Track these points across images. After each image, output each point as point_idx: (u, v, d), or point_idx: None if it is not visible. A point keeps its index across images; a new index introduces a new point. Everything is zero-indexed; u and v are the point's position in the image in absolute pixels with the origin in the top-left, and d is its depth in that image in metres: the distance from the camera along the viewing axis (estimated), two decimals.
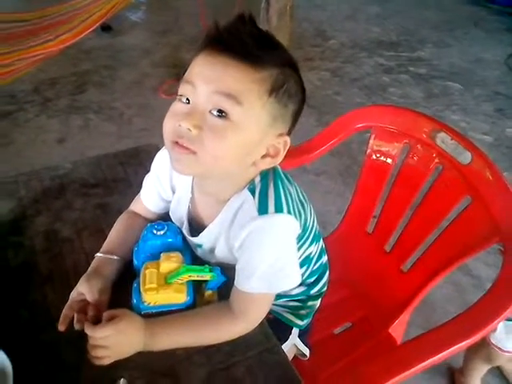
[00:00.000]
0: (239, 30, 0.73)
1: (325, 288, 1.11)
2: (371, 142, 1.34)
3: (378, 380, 0.89)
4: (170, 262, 0.82)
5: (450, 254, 1.14)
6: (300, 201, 0.87)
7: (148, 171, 0.99)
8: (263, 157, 0.79)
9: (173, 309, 0.83)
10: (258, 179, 0.82)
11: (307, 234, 0.93)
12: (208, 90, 0.72)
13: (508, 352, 1.39)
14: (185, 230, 0.92)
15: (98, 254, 0.91)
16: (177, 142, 0.74)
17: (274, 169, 0.84)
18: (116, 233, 0.97)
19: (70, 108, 3.19)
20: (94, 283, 0.84)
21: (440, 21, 4.67)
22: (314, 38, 4.25)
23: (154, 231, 0.87)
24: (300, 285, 1.04)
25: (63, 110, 3.16)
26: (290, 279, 0.86)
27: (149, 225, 0.89)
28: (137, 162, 1.24)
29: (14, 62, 2.42)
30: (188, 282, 0.84)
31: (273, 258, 0.81)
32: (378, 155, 1.34)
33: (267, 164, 0.80)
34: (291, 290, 1.03)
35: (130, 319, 0.79)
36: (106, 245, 0.94)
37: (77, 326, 0.79)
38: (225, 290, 0.86)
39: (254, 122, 0.74)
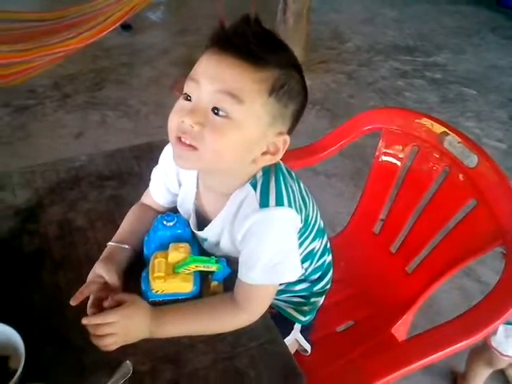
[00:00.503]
0: (244, 30, 0.75)
1: (328, 286, 1.13)
2: (380, 144, 1.36)
3: (378, 376, 0.92)
4: (178, 253, 0.85)
5: (454, 255, 1.16)
6: (302, 196, 0.90)
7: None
8: (263, 154, 0.81)
9: (179, 298, 0.86)
10: (259, 174, 0.84)
11: (309, 229, 0.95)
12: (210, 89, 0.75)
13: (508, 357, 1.39)
14: (192, 224, 0.94)
15: (110, 243, 0.94)
16: (180, 139, 0.77)
17: (275, 164, 0.86)
18: (127, 223, 1.00)
19: (87, 104, 3.24)
20: (111, 266, 0.88)
21: (457, 26, 4.64)
22: (331, 41, 4.25)
23: (164, 222, 0.90)
24: (303, 281, 1.06)
25: (81, 106, 3.22)
26: (291, 271, 0.88)
27: (159, 216, 0.92)
28: (150, 156, 1.25)
29: (35, 59, 2.46)
30: (195, 272, 0.87)
31: (274, 251, 0.83)
32: (386, 157, 1.36)
33: (267, 161, 0.82)
34: (294, 285, 1.06)
35: (138, 305, 0.82)
36: (117, 234, 0.97)
37: (90, 311, 0.81)
38: (230, 282, 0.89)
39: (253, 120, 0.76)
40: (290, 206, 0.82)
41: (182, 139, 0.77)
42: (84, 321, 0.78)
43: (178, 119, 0.77)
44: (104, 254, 0.93)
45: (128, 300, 0.81)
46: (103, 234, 1.01)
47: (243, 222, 0.82)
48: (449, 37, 4.43)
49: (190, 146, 0.76)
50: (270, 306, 0.89)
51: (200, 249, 0.94)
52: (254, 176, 0.84)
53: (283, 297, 1.08)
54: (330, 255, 1.13)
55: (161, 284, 0.84)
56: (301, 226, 0.88)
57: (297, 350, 1.14)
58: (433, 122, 1.25)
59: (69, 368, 0.79)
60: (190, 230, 0.93)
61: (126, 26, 4.06)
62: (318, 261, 1.06)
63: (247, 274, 0.84)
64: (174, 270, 0.85)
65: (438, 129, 1.23)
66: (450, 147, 1.19)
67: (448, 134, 1.20)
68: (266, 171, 0.85)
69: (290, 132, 0.83)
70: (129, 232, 0.98)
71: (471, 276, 2.05)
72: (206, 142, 0.75)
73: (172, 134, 0.78)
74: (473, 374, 1.58)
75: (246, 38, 0.74)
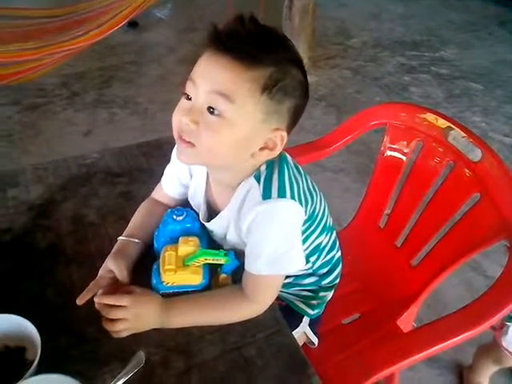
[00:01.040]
0: (237, 30, 0.77)
1: (337, 280, 1.15)
2: (385, 139, 1.37)
3: (383, 366, 0.93)
4: (187, 246, 0.88)
5: (458, 249, 1.17)
6: (308, 189, 0.92)
7: (169, 161, 1.04)
8: (261, 149, 0.83)
9: (189, 290, 0.89)
10: (263, 167, 0.86)
11: (316, 224, 0.97)
12: (205, 89, 0.77)
13: None
14: (202, 215, 0.97)
15: (121, 238, 0.97)
16: (181, 136, 0.80)
17: (281, 157, 0.88)
18: (138, 218, 1.02)
19: (96, 102, 3.27)
20: (121, 261, 0.90)
21: (464, 21, 4.61)
22: (337, 37, 4.24)
23: (174, 216, 0.93)
24: (312, 275, 1.08)
25: (90, 104, 3.24)
26: (294, 262, 0.90)
27: (169, 210, 0.95)
28: (159, 152, 1.29)
29: (44, 57, 2.49)
30: (204, 265, 0.89)
31: (276, 242, 0.85)
32: (391, 152, 1.37)
33: (266, 156, 0.84)
34: (303, 279, 1.08)
35: (149, 295, 0.85)
36: (128, 229, 1.00)
37: (98, 305, 0.84)
38: (238, 274, 0.91)
39: (246, 118, 0.78)
40: (292, 197, 0.84)
41: (182, 136, 0.80)
42: (96, 299, 0.82)
43: (178, 118, 0.80)
44: (115, 248, 0.95)
45: (139, 290, 0.85)
46: (114, 229, 1.04)
47: (247, 214, 0.85)
48: (456, 32, 4.41)
49: (189, 142, 0.80)
50: (279, 299, 0.91)
51: (209, 242, 0.97)
52: (259, 169, 0.86)
53: (292, 290, 1.10)
54: (339, 251, 1.14)
55: (171, 276, 0.86)
56: (305, 218, 0.90)
57: (304, 343, 1.16)
58: (437, 117, 1.26)
59: (83, 359, 0.81)
60: (199, 224, 0.95)
61: (132, 24, 4.05)
62: (326, 256, 1.07)
63: (253, 265, 0.87)
64: (183, 262, 0.87)
65: (443, 124, 1.24)
66: (454, 142, 1.21)
67: (452, 128, 1.21)
68: (270, 164, 0.87)
69: (290, 127, 0.85)
70: (139, 226, 1.00)
71: (477, 270, 2.06)
72: (202, 139, 0.79)
73: (174, 131, 0.82)
74: (480, 369, 1.59)
75: (240, 38, 0.76)
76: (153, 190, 1.09)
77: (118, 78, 3.56)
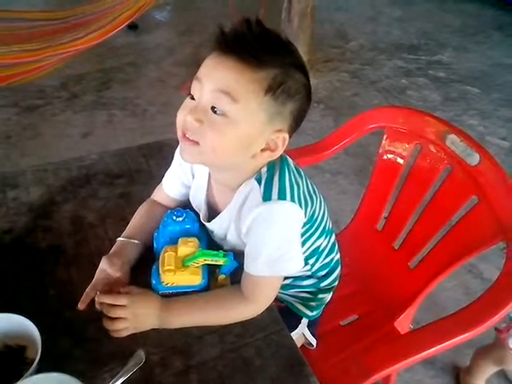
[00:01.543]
0: (243, 33, 0.78)
1: (336, 283, 1.16)
2: (383, 142, 1.38)
3: (381, 367, 0.94)
4: (187, 247, 0.89)
5: (455, 251, 1.18)
6: (309, 192, 0.92)
7: (169, 163, 1.04)
8: (263, 150, 0.84)
9: (188, 290, 0.89)
10: (264, 169, 0.87)
11: (315, 226, 0.98)
12: (210, 88, 0.79)
13: None
14: (203, 215, 0.98)
15: (120, 238, 0.98)
16: (185, 134, 0.81)
17: (282, 160, 0.89)
18: (137, 219, 1.03)
19: (95, 104, 3.27)
20: (115, 261, 0.91)
21: (462, 25, 4.63)
22: (335, 40, 4.26)
23: (174, 217, 0.93)
24: (310, 277, 1.09)
25: (89, 106, 3.25)
26: (293, 264, 0.91)
27: (169, 211, 0.95)
28: (159, 154, 1.30)
29: (43, 59, 2.49)
30: (203, 265, 0.90)
31: (276, 243, 0.86)
32: (389, 155, 1.38)
33: (267, 157, 0.85)
34: (302, 281, 1.08)
35: (148, 295, 0.86)
36: (127, 230, 1.00)
37: (98, 304, 0.85)
38: (237, 275, 0.92)
39: (250, 119, 0.79)
40: (292, 200, 0.85)
41: (186, 135, 0.81)
42: (96, 298, 0.83)
43: (183, 116, 0.81)
44: (113, 248, 0.96)
45: (138, 291, 0.86)
46: (114, 230, 1.04)
47: (247, 215, 0.85)
48: (453, 35, 4.43)
49: (193, 141, 0.81)
50: (278, 300, 0.92)
51: (208, 243, 0.97)
52: (260, 171, 0.87)
53: (291, 292, 1.11)
54: (338, 254, 1.15)
55: (170, 277, 0.87)
56: (305, 220, 0.91)
57: (302, 344, 1.16)
58: (435, 121, 1.27)
59: (83, 358, 0.82)
60: (199, 225, 0.96)
61: (132, 26, 4.05)
62: (324, 258, 1.08)
63: (252, 266, 0.88)
64: (183, 263, 0.88)
65: (441, 127, 1.25)
66: (452, 145, 1.21)
67: (450, 132, 1.22)
68: (271, 166, 0.88)
69: (292, 130, 0.86)
70: (138, 227, 1.01)
71: (474, 273, 2.07)
72: (206, 137, 0.79)
73: (178, 130, 0.83)
74: (478, 370, 1.60)
75: (246, 40, 0.77)
76: (153, 190, 1.09)
77: (118, 80, 3.57)
